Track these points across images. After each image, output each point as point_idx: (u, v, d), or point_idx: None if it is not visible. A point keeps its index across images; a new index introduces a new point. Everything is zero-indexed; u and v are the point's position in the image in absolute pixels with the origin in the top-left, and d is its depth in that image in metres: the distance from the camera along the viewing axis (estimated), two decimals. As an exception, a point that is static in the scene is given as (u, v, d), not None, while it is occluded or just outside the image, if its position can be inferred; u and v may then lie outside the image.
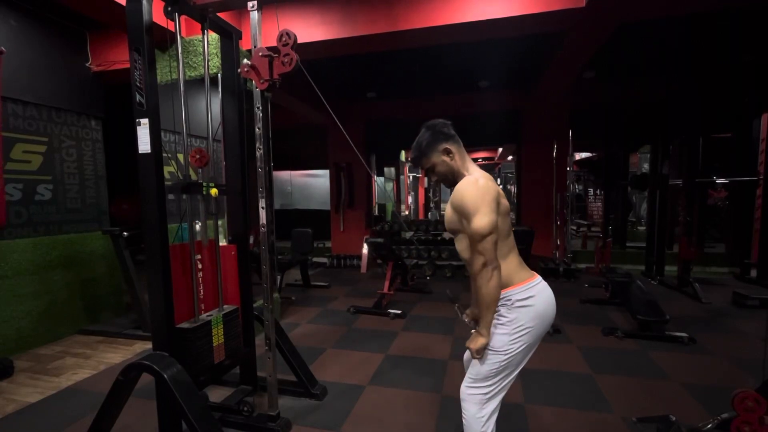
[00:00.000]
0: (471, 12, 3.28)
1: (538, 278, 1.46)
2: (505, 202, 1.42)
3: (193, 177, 2.10)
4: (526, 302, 1.38)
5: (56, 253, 3.48)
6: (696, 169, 5.04)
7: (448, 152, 1.48)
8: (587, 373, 2.69)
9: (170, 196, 4.28)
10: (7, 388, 2.61)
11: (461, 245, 1.48)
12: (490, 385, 1.40)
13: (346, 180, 7.18)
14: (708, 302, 4.19)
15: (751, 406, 1.55)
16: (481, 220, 1.30)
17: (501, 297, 1.40)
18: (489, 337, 1.37)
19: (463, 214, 1.36)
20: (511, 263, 1.43)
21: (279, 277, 4.65)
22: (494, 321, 1.42)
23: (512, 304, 1.38)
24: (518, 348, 1.38)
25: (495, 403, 1.41)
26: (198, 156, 2.03)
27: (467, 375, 1.47)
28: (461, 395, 1.45)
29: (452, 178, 1.49)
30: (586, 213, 11.07)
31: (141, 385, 1.92)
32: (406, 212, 12.93)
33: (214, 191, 2.04)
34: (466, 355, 1.70)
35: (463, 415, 1.44)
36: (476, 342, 1.37)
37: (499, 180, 17.07)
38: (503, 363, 1.38)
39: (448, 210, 1.48)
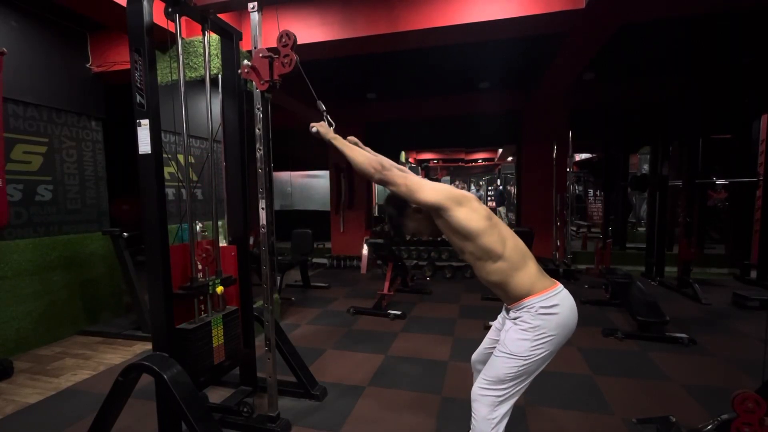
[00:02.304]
0: (471, 13, 3.29)
1: (560, 286, 1.44)
2: (479, 207, 1.44)
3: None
4: (551, 310, 1.37)
5: (56, 254, 3.48)
6: (696, 170, 5.05)
7: (418, 210, 1.55)
8: (587, 374, 2.69)
9: (170, 196, 4.31)
10: (7, 389, 2.61)
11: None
12: (505, 389, 1.39)
13: (347, 181, 7.18)
14: (708, 303, 4.19)
15: (752, 407, 1.54)
16: (430, 192, 1.40)
17: (524, 304, 1.39)
18: (331, 136, 1.58)
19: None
20: (531, 270, 1.42)
21: (279, 278, 4.65)
22: (516, 327, 1.41)
23: (536, 311, 1.37)
24: (539, 355, 1.37)
25: (507, 406, 1.41)
26: (204, 255, 2.07)
27: (481, 376, 1.46)
28: (473, 396, 1.44)
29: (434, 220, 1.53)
30: (586, 214, 11.06)
31: (141, 386, 1.92)
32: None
33: (219, 289, 2.06)
34: (475, 356, 1.70)
35: (473, 415, 1.43)
36: (323, 126, 1.61)
37: (498, 181, 17.08)
38: (522, 368, 1.37)
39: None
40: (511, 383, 1.39)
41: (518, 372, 1.38)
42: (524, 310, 1.39)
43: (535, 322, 1.37)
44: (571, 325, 1.42)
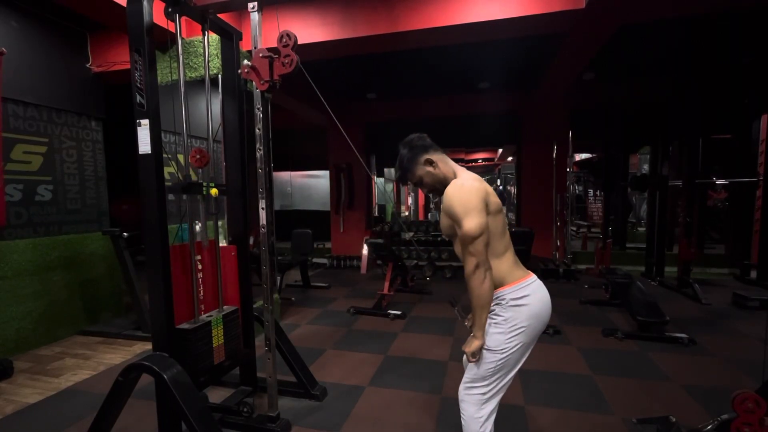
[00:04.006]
0: (471, 13, 3.29)
1: (533, 277, 1.46)
2: (495, 200, 1.42)
3: (193, 177, 2.11)
4: (521, 301, 1.39)
5: (56, 254, 3.48)
6: (696, 170, 5.05)
7: (430, 162, 1.50)
8: (587, 374, 2.69)
9: (170, 197, 4.31)
10: (7, 389, 2.61)
11: (459, 249, 1.47)
12: (488, 385, 1.40)
13: (346, 181, 7.18)
14: (708, 303, 4.19)
15: (751, 407, 1.54)
16: (471, 222, 1.32)
17: (495, 296, 1.41)
18: (483, 339, 1.39)
19: (453, 218, 1.39)
20: (506, 262, 1.43)
21: (279, 278, 4.65)
22: (489, 320, 1.43)
23: (506, 303, 1.39)
24: (514, 347, 1.38)
25: (493, 403, 1.42)
26: (198, 156, 2.04)
27: (465, 376, 1.47)
28: (459, 396, 1.46)
29: (441, 187, 1.49)
30: (586, 214, 11.07)
31: (141, 386, 1.92)
32: (406, 213, 12.93)
33: (214, 191, 2.04)
34: (465, 356, 1.70)
35: (462, 415, 1.44)
36: (471, 345, 1.39)
37: (498, 181, 17.08)
38: (500, 362, 1.38)
39: (442, 216, 1.51)
40: (493, 378, 1.40)
41: (497, 366, 1.39)
42: (496, 302, 1.41)
43: (507, 314, 1.39)
44: (544, 315, 1.43)
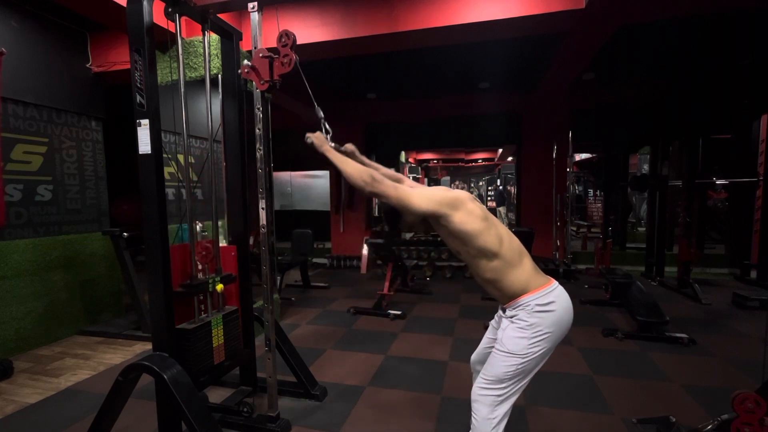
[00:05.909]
0: (471, 13, 3.29)
1: (555, 283, 1.45)
2: (472, 208, 1.42)
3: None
4: (547, 308, 1.38)
5: (56, 254, 3.48)
6: (696, 170, 5.05)
7: None
8: (587, 374, 2.69)
9: (170, 196, 4.31)
10: (7, 389, 2.61)
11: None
12: (504, 388, 1.40)
13: (347, 181, 7.17)
14: (708, 303, 4.19)
15: (751, 407, 1.55)
16: (418, 199, 1.39)
17: (520, 302, 1.40)
18: (325, 149, 1.58)
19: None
20: (526, 268, 1.43)
21: (279, 278, 4.65)
22: (513, 325, 1.41)
23: (532, 309, 1.38)
24: (537, 352, 1.38)
25: (507, 406, 1.41)
26: (204, 253, 2.06)
27: (481, 376, 1.46)
28: (473, 396, 1.45)
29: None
30: (586, 214, 11.06)
31: (141, 386, 1.92)
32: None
33: (219, 287, 2.06)
34: (474, 356, 1.70)
35: (473, 416, 1.43)
36: (318, 137, 1.60)
37: (499, 181, 17.07)
38: (520, 367, 1.38)
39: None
40: (510, 382, 1.40)
41: (517, 370, 1.38)
42: (520, 308, 1.40)
43: (532, 319, 1.38)
44: (567, 321, 1.43)
